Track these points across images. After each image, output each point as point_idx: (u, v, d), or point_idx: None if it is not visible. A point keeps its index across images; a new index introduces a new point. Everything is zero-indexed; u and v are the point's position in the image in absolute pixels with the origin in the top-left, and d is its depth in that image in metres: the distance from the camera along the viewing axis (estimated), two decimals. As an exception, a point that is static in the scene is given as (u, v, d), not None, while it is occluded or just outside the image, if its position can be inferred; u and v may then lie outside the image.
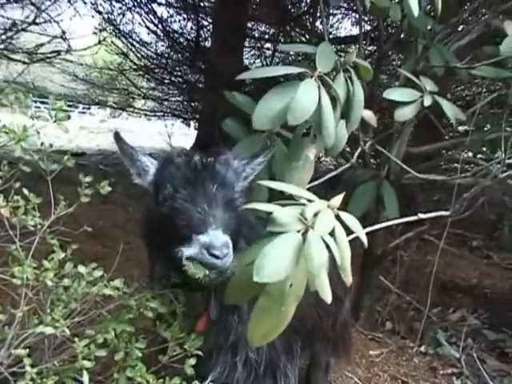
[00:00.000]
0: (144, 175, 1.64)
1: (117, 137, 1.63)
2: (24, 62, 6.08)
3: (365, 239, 1.28)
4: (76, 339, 1.34)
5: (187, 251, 1.47)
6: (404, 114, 1.92)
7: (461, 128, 3.68)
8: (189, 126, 9.27)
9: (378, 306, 3.32)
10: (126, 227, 4.30)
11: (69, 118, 1.54)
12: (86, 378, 1.31)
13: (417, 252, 4.26)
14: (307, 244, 1.14)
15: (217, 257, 1.43)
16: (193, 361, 1.48)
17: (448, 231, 4.38)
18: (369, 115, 1.90)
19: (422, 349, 3.00)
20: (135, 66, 8.48)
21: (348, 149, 2.85)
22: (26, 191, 1.49)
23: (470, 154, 3.50)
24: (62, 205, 1.50)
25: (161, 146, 10.57)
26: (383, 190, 2.68)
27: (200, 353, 1.50)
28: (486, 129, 2.90)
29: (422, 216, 1.99)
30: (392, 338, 3.09)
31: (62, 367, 1.40)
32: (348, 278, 1.32)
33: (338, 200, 1.25)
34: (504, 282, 4.24)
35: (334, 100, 1.60)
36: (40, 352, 1.43)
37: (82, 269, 1.39)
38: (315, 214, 1.25)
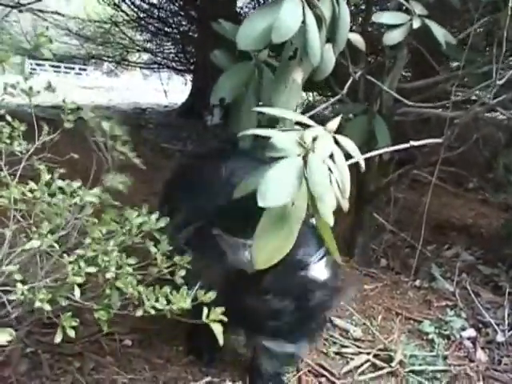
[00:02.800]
0: None
1: None
2: (11, 6, 5.97)
3: (363, 163, 1.29)
4: (65, 255, 1.36)
5: None
6: (393, 37, 1.90)
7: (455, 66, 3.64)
8: (183, 76, 9.18)
9: (373, 244, 3.35)
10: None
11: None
12: (77, 292, 1.34)
13: (412, 193, 4.28)
14: (309, 168, 1.16)
15: None
16: (182, 272, 1.51)
17: (442, 172, 4.40)
18: (356, 38, 1.88)
19: (417, 283, 3.04)
20: (127, 18, 8.34)
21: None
22: (9, 118, 1.49)
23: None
24: (45, 131, 1.50)
25: (157, 102, 10.54)
26: (375, 124, 2.67)
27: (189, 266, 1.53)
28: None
29: (413, 143, 2.00)
30: (387, 273, 3.12)
31: (54, 287, 1.42)
32: (345, 203, 1.34)
33: (334, 124, 1.26)
34: (500, 221, 4.25)
35: (319, 20, 1.58)
36: (33, 275, 1.45)
37: (60, 182, 1.40)
38: (314, 139, 1.26)
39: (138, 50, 9.67)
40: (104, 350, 1.99)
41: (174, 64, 9.28)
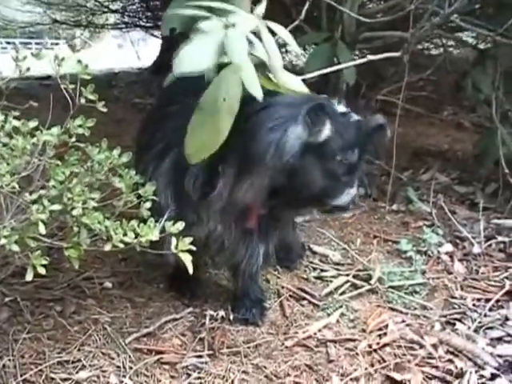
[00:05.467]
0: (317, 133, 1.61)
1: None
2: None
3: (297, 49, 1.30)
4: (27, 195, 1.37)
5: (337, 201, 1.70)
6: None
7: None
8: (152, 34, 8.99)
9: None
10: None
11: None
12: (42, 228, 1.35)
13: (389, 124, 4.29)
14: (227, 38, 1.15)
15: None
16: (148, 204, 1.53)
17: (416, 100, 4.41)
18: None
19: (394, 207, 3.08)
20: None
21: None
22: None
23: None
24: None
25: (130, 66, 10.38)
26: (338, 52, 2.65)
27: (155, 197, 1.54)
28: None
29: (371, 57, 1.99)
30: (364, 201, 3.15)
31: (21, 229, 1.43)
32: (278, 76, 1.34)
33: (262, 8, 1.25)
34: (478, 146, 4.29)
35: None
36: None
37: (15, 122, 1.40)
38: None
39: (104, 12, 9.44)
40: (85, 293, 2.02)
41: (141, 22, 9.10)
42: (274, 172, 1.59)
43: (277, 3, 2.86)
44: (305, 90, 1.63)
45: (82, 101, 1.49)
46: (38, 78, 5.21)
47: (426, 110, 4.40)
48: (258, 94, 1.22)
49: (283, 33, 1.33)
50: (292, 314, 2.04)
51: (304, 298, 2.14)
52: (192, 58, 1.16)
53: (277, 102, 1.53)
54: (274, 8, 2.66)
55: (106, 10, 9.37)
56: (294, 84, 1.55)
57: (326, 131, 1.59)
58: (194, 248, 1.40)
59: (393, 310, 2.14)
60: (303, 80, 1.70)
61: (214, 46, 1.17)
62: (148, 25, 8.99)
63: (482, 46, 3.67)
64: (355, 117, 1.71)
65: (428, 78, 4.37)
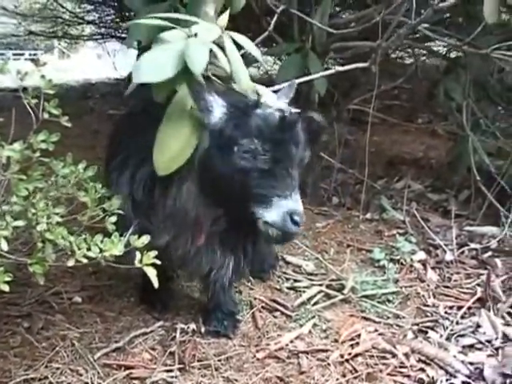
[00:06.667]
0: (207, 114, 1.48)
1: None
2: None
3: (258, 55, 1.29)
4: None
5: (268, 216, 1.49)
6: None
7: None
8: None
9: (324, 184, 3.38)
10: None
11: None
12: (4, 245, 1.32)
13: (363, 134, 4.31)
14: (187, 48, 1.14)
15: (298, 224, 1.46)
16: (113, 219, 1.51)
17: (391, 108, 4.44)
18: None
19: (368, 216, 3.10)
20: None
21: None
22: None
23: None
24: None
25: (108, 76, 10.33)
26: (309, 63, 2.66)
27: (121, 212, 1.53)
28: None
29: (339, 69, 2.00)
30: (338, 210, 3.17)
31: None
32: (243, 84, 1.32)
33: (224, 19, 1.25)
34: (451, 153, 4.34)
35: None
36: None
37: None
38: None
39: (79, 23, 9.39)
40: (53, 308, 1.99)
41: (117, 33, 9.06)
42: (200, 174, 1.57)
43: (248, 14, 2.86)
44: (274, 98, 1.61)
45: (46, 115, 1.47)
46: (12, 90, 5.17)
47: (401, 118, 4.44)
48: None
49: (246, 43, 1.32)
50: (264, 325, 2.03)
51: (276, 309, 2.13)
52: (152, 68, 1.15)
53: None
54: (245, 19, 2.68)
55: (81, 21, 9.32)
56: (264, 93, 1.54)
57: (217, 114, 1.49)
58: (158, 262, 1.39)
59: (366, 319, 2.14)
60: (275, 91, 1.70)
61: (174, 55, 1.16)
62: (124, 35, 8.95)
63: (453, 55, 3.73)
64: (283, 112, 1.53)
65: (403, 86, 4.42)
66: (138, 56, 1.44)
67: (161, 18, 1.43)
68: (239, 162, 1.50)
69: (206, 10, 1.65)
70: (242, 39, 1.31)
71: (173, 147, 1.35)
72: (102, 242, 1.44)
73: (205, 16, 1.66)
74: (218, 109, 1.50)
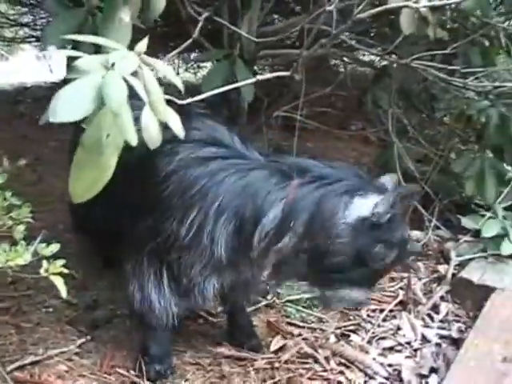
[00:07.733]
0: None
1: None
2: None
3: (179, 84, 1.28)
4: None
5: None
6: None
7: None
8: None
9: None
10: None
11: None
12: None
13: (299, 141, 4.36)
14: (105, 83, 1.11)
15: None
16: (22, 227, 1.47)
17: (324, 116, 4.50)
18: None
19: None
20: (-6, -10, 7.83)
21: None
22: None
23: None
24: None
25: (44, 80, 10.09)
26: (236, 69, 2.67)
27: (30, 220, 1.49)
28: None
29: (260, 77, 2.02)
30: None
31: None
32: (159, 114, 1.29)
33: (143, 45, 1.23)
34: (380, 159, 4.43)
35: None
36: None
37: None
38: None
39: (13, 25, 9.13)
40: (-34, 322, 1.92)
41: (52, 36, 8.87)
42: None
43: (173, 20, 2.86)
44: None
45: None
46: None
47: (335, 124, 4.51)
48: (133, 141, 1.18)
49: (164, 69, 1.31)
50: (186, 332, 2.02)
51: (200, 316, 2.12)
52: (68, 106, 1.11)
53: None
54: (169, 25, 2.67)
55: (14, 23, 9.07)
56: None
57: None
58: (66, 271, 1.35)
59: (290, 324, 2.16)
60: (202, 100, 1.69)
61: (91, 91, 1.12)
62: (59, 39, 8.77)
63: (381, 65, 3.82)
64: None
65: (338, 93, 4.49)
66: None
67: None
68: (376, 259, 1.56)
69: (121, 17, 1.63)
70: (161, 67, 1.29)
71: (89, 174, 1.30)
72: (9, 250, 1.40)
73: (120, 22, 1.65)
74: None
